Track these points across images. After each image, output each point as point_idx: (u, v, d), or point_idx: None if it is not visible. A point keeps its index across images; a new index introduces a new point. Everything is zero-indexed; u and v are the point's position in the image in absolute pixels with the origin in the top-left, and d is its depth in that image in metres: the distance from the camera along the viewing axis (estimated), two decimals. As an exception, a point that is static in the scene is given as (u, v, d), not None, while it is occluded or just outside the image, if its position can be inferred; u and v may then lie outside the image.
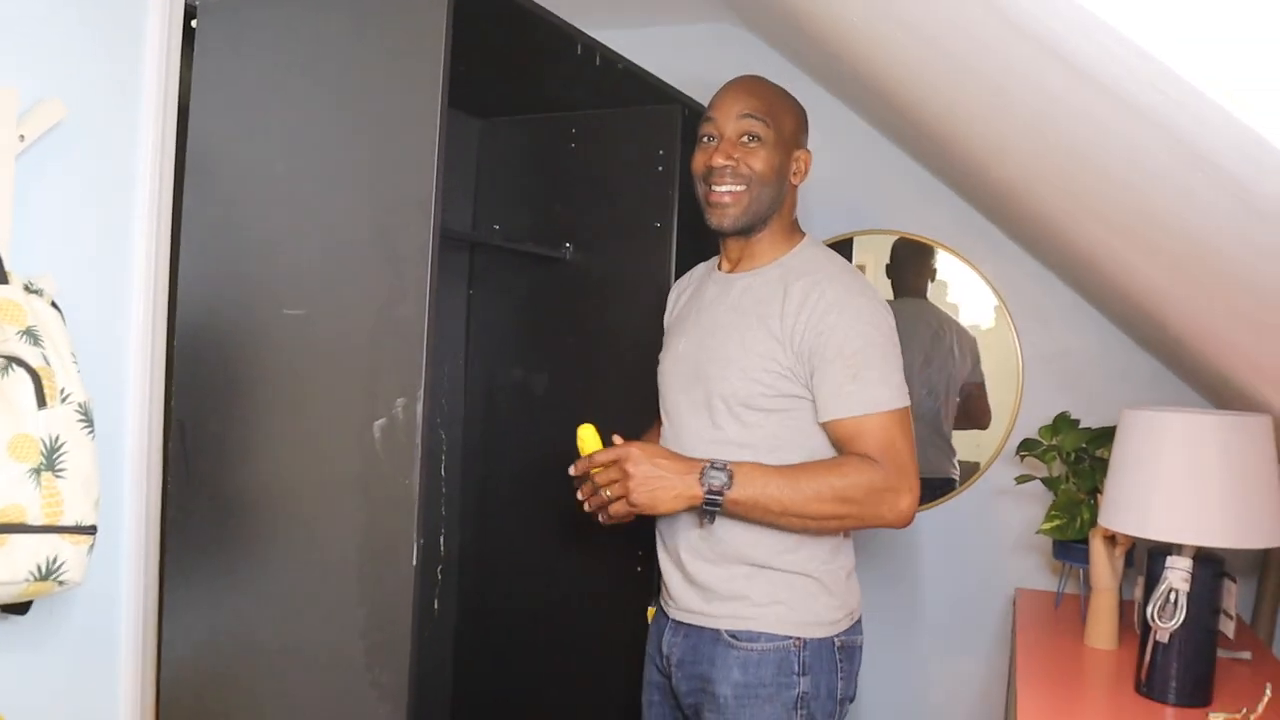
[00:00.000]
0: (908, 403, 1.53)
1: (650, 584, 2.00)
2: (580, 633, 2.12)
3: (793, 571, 1.55)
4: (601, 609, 2.09)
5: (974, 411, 2.43)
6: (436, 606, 2.25)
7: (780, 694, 1.53)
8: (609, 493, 1.49)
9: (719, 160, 1.58)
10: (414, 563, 1.38)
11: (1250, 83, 0.81)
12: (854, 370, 1.49)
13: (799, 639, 1.54)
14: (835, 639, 1.57)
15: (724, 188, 1.58)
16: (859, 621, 1.64)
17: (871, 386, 1.49)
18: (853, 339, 1.50)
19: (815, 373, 1.51)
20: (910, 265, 2.47)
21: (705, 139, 1.62)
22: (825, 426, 1.53)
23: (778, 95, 1.63)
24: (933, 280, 2.45)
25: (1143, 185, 1.22)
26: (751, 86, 1.63)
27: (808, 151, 1.66)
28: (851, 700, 1.62)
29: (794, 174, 1.63)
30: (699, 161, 1.62)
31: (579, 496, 1.56)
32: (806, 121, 1.67)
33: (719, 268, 1.70)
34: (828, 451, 1.55)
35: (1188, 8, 0.78)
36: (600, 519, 1.57)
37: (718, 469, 1.46)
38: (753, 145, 1.58)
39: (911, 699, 2.45)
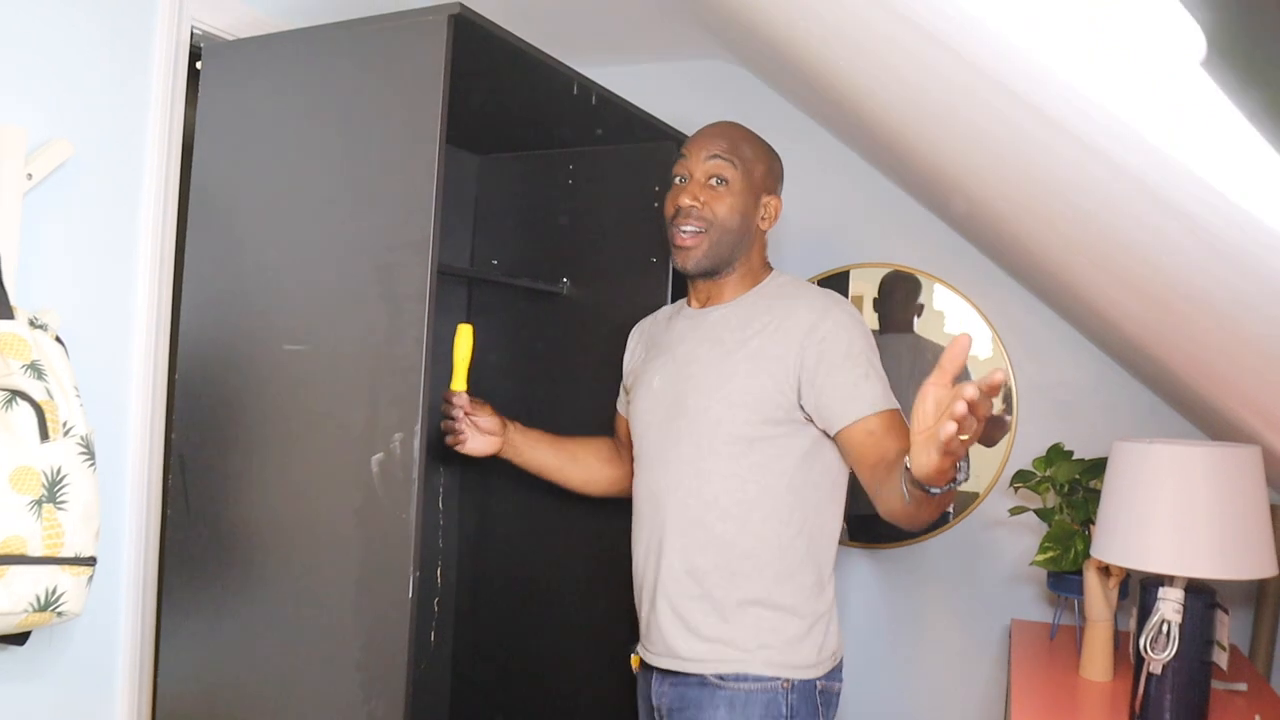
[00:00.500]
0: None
1: (647, 616, 2.01)
2: (577, 667, 2.13)
3: (779, 608, 1.55)
4: (598, 643, 2.09)
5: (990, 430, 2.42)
6: (434, 638, 2.26)
7: None
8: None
9: (685, 200, 1.61)
10: (410, 595, 1.39)
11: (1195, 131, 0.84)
12: (864, 370, 1.52)
13: (786, 680, 1.54)
14: (818, 682, 1.57)
15: (688, 228, 1.61)
16: (840, 665, 1.63)
17: (878, 384, 1.53)
18: (855, 340, 1.54)
19: (820, 380, 1.52)
20: (896, 298, 2.49)
21: (677, 179, 1.66)
22: (845, 431, 1.51)
23: (749, 141, 1.66)
24: (919, 315, 2.47)
25: (1118, 224, 1.25)
26: (724, 130, 1.66)
27: (778, 198, 1.68)
28: None
29: (762, 219, 1.66)
30: (669, 202, 1.65)
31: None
32: (780, 169, 1.71)
33: (689, 304, 1.72)
34: (810, 477, 1.56)
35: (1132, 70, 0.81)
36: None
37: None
38: (719, 188, 1.61)
39: (909, 732, 2.45)
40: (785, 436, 1.55)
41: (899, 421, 1.51)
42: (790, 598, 1.56)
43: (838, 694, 1.62)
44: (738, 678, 1.54)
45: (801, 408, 1.54)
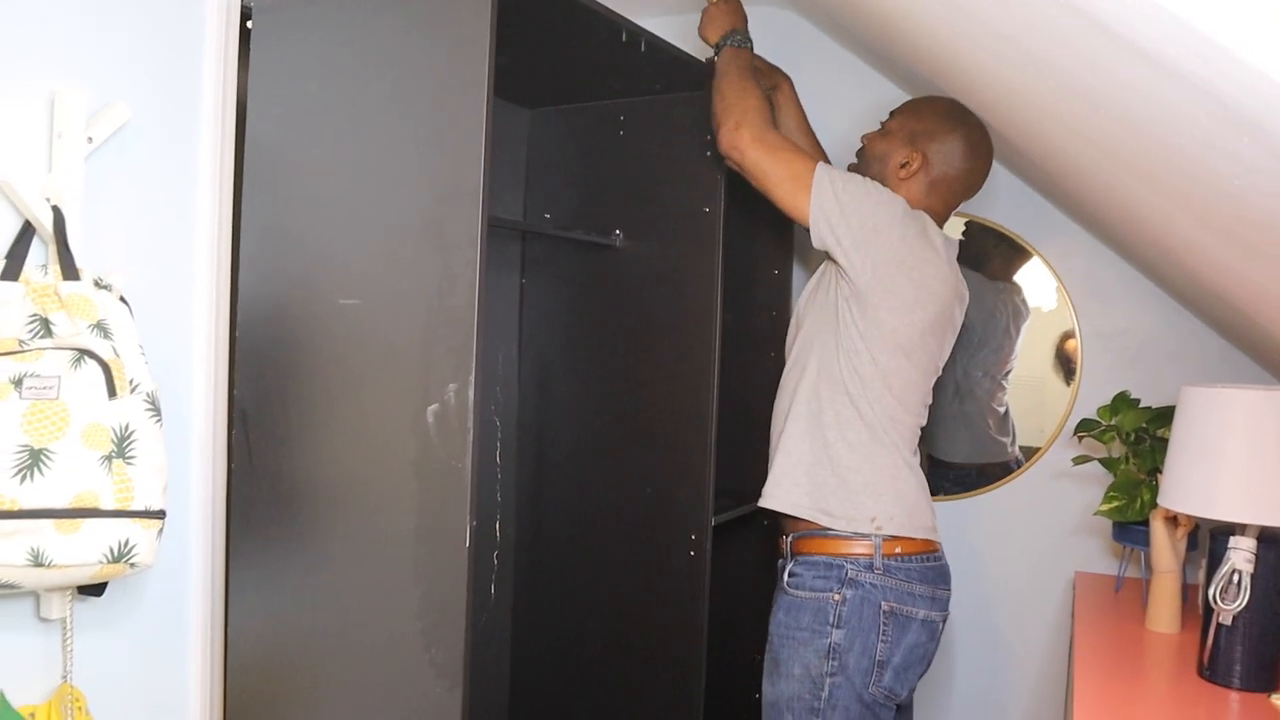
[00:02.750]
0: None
1: (705, 570, 2.02)
2: (636, 618, 2.14)
3: None
4: (657, 594, 2.10)
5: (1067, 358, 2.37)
6: (493, 591, 2.29)
7: None
8: None
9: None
10: (467, 544, 1.41)
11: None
12: None
13: None
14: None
15: None
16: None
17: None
18: None
19: None
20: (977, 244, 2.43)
21: None
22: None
23: (916, 103, 1.95)
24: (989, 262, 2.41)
25: (1190, 149, 1.20)
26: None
27: (919, 153, 1.85)
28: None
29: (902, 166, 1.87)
30: None
31: None
32: (935, 130, 1.87)
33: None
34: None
35: None
36: None
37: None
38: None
39: (969, 682, 2.44)
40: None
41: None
42: None
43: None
44: None
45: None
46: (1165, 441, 1.81)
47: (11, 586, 1.29)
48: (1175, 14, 0.83)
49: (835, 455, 1.76)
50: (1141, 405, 2.10)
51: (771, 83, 2.13)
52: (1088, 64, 1.18)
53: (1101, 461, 2.11)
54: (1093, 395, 2.27)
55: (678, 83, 2.03)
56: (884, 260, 1.72)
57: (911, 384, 1.78)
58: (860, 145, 1.95)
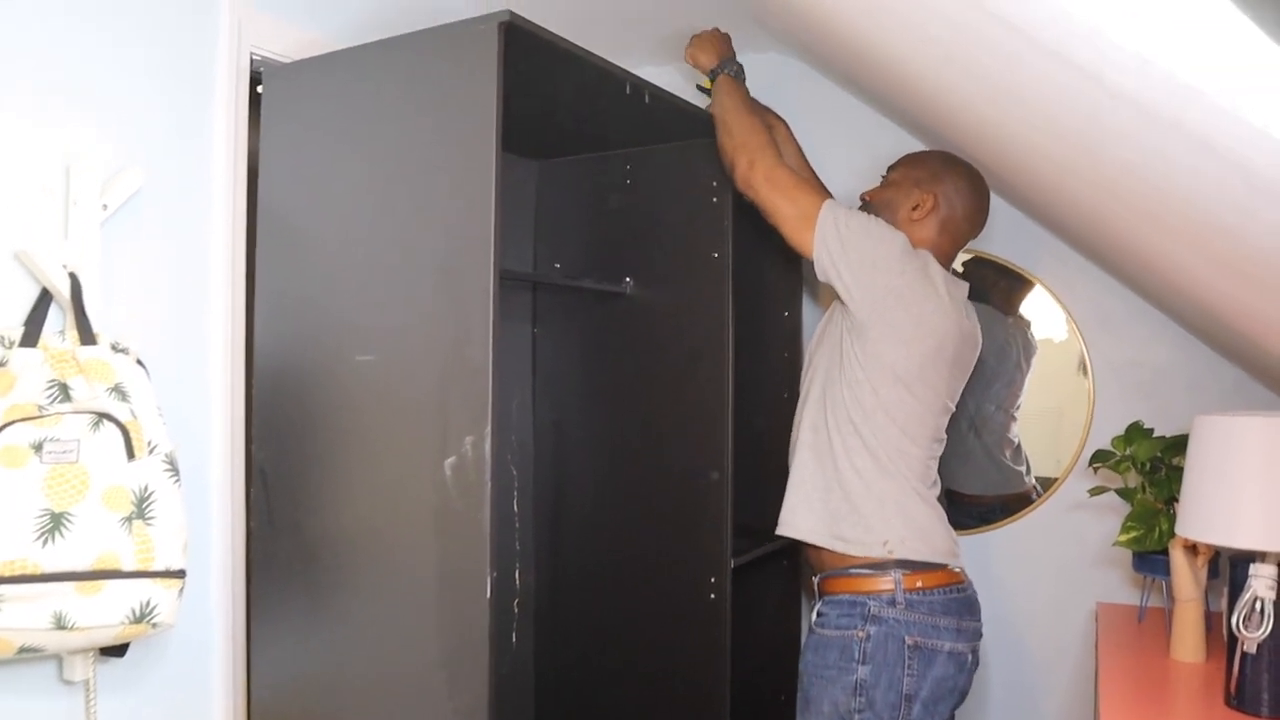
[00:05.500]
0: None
1: (725, 611, 2.01)
2: (659, 661, 2.13)
3: None
4: (678, 636, 2.09)
5: None
6: (515, 639, 2.28)
7: None
8: None
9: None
10: (488, 594, 1.42)
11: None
12: None
13: None
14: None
15: None
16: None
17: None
18: None
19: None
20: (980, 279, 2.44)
21: None
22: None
23: (913, 155, 2.02)
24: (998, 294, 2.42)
25: (1186, 190, 1.22)
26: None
27: (929, 195, 1.90)
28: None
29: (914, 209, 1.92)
30: None
31: None
32: (939, 173, 1.93)
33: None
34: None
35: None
36: None
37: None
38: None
39: (996, 715, 2.41)
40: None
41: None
42: None
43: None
44: None
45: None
46: (1181, 470, 1.81)
47: (35, 650, 1.29)
48: (1163, 67, 0.86)
49: (845, 481, 1.80)
50: (1155, 435, 2.10)
51: (765, 121, 2.17)
52: (1089, 118, 1.20)
53: (1118, 492, 2.10)
54: (1106, 426, 2.27)
55: (682, 131, 2.07)
56: (882, 294, 1.76)
57: (916, 417, 1.80)
58: (862, 202, 2.00)
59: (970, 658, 1.78)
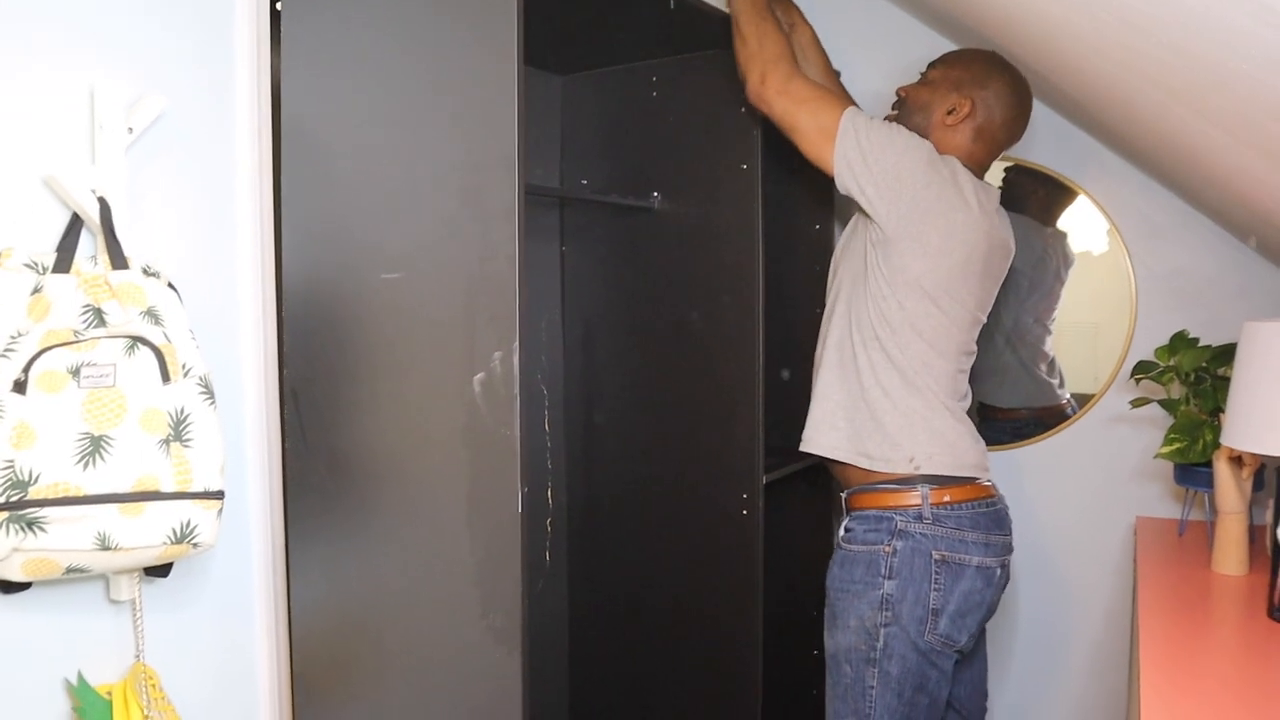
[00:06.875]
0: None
1: (758, 528, 2.02)
2: (692, 579, 2.15)
3: None
4: (711, 554, 2.11)
5: None
6: (548, 558, 2.31)
7: None
8: None
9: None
10: (520, 510, 1.42)
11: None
12: None
13: None
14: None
15: None
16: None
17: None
18: None
19: None
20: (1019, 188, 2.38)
21: None
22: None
23: (956, 54, 1.93)
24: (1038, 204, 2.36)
25: (1251, 71, 1.16)
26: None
27: (967, 99, 1.83)
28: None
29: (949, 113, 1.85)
30: None
31: None
32: (980, 77, 1.85)
33: None
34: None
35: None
36: None
37: None
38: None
39: (1032, 630, 2.42)
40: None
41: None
42: None
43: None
44: None
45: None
46: (1227, 380, 1.77)
47: (82, 570, 1.32)
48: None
49: (871, 399, 1.77)
50: (1201, 344, 2.05)
51: (789, 20, 2.09)
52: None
53: (1161, 403, 2.06)
54: (1148, 339, 2.22)
55: (708, 40, 2.00)
56: (908, 206, 1.71)
57: (944, 331, 1.76)
58: (897, 98, 1.92)
59: (1000, 572, 1.78)
